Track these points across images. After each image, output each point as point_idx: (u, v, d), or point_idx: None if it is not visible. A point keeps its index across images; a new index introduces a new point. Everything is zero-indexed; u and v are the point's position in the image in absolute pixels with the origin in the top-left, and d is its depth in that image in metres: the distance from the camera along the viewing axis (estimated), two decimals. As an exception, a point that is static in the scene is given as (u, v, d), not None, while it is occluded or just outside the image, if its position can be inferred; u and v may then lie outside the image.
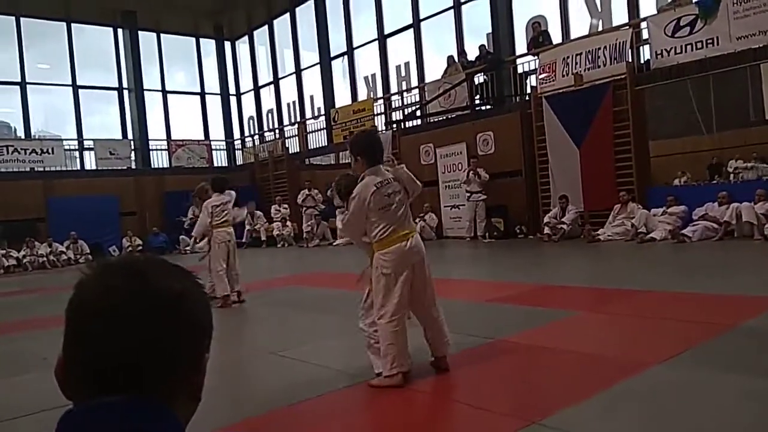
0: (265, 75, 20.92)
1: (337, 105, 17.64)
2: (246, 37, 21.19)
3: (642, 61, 10.67)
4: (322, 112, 18.23)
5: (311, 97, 18.92)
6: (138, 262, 0.75)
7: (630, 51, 10.42)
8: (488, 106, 13.25)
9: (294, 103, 19.51)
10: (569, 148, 10.90)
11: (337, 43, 18.04)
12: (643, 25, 10.63)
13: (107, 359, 0.69)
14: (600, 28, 11.55)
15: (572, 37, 12.07)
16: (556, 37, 12.30)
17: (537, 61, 11.96)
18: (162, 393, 0.70)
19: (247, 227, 16.14)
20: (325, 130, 17.80)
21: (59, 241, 15.41)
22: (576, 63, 11.03)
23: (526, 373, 3.51)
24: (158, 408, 0.69)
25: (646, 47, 10.52)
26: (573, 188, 10.81)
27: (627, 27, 10.84)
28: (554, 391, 3.06)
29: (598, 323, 4.55)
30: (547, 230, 10.69)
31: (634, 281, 6.07)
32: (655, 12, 10.65)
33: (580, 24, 12.19)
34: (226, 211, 6.82)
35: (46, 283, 11.41)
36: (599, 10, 11.67)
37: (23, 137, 17.73)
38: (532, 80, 12.35)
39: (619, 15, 11.52)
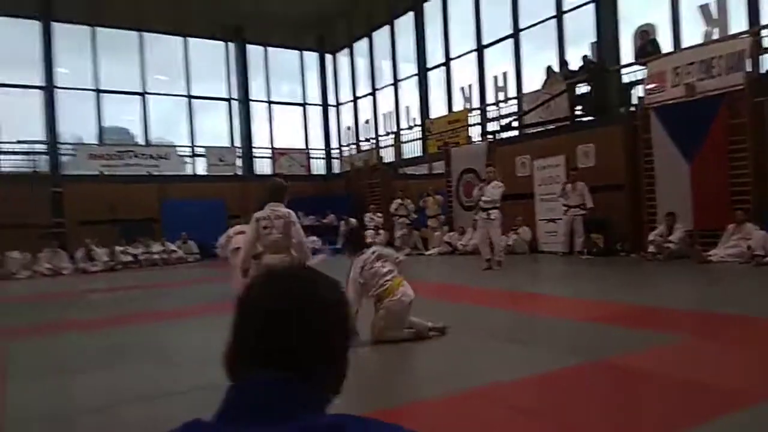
0: (363, 86, 21.45)
1: (433, 115, 17.74)
2: (346, 50, 21.82)
3: (762, 72, 9.93)
4: (418, 122, 18.39)
5: (407, 108, 19.13)
6: (306, 272, 0.94)
7: (749, 60, 9.74)
8: (590, 118, 12.81)
9: (390, 113, 19.84)
10: (678, 162, 10.31)
11: (434, 54, 18.17)
12: (765, 32, 9.90)
13: (273, 344, 0.84)
14: (715, 36, 10.86)
15: (684, 45, 11.44)
16: (666, 45, 11.70)
17: (645, 70, 11.44)
18: (315, 379, 0.84)
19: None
20: (420, 141, 17.95)
21: (171, 240, 16.62)
22: (688, 73, 10.45)
23: (623, 398, 3.37)
24: (315, 388, 0.83)
25: (767, 56, 9.79)
26: (682, 205, 10.21)
27: (746, 35, 10.13)
28: (652, 419, 2.93)
29: (705, 350, 4.28)
30: (651, 248, 10.16)
31: (747, 307, 5.64)
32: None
33: (693, 32, 11.53)
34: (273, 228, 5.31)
35: (158, 279, 12.30)
36: (714, 17, 10.98)
37: (142, 144, 19.25)
38: (638, 91, 11.81)
39: (737, 22, 10.78)
